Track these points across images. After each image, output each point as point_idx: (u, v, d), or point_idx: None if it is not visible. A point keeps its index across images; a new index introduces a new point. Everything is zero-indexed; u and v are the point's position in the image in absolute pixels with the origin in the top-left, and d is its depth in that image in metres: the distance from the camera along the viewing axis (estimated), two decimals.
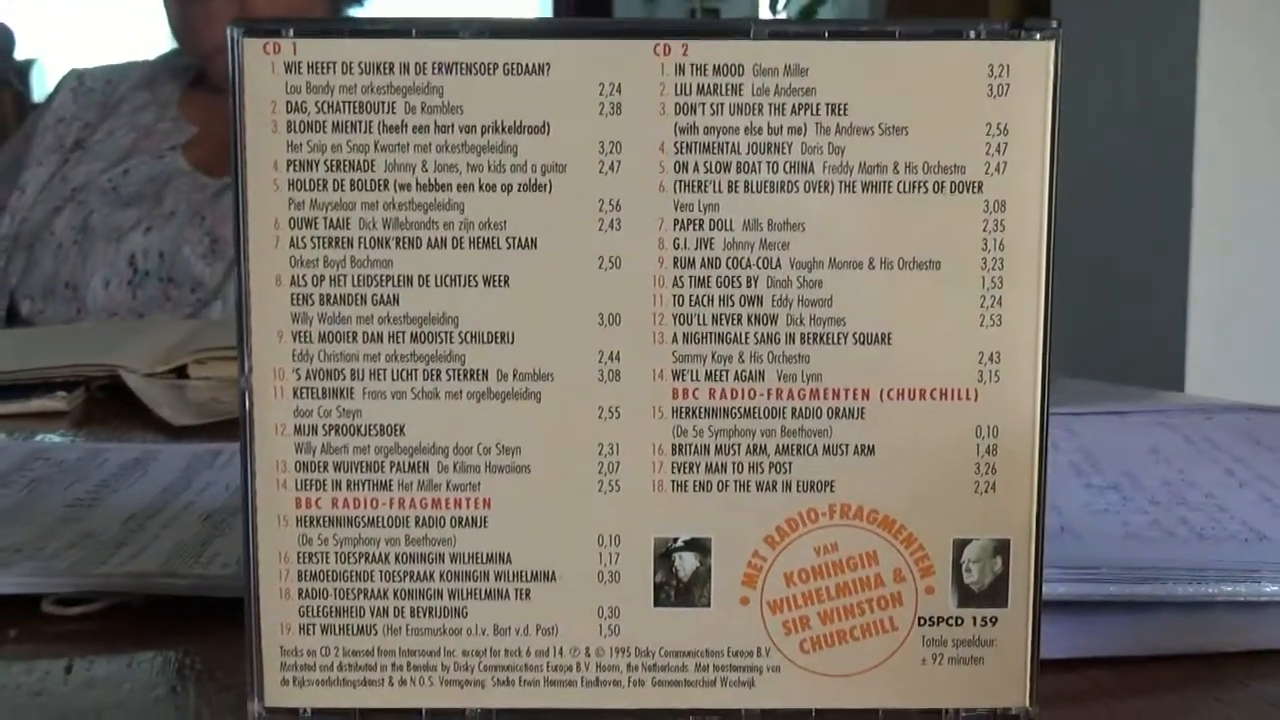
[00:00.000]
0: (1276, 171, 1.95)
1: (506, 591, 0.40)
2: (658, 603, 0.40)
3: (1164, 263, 1.95)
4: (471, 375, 0.39)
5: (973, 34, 0.38)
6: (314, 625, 0.40)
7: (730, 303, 0.39)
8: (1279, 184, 1.95)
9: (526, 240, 0.38)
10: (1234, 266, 1.94)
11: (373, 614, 0.40)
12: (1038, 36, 0.38)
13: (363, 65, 0.38)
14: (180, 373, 0.90)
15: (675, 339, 0.39)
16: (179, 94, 1.41)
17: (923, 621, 0.40)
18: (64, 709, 0.41)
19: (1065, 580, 0.45)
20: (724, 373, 0.39)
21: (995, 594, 0.40)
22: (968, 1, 2.27)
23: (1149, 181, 1.99)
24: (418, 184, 0.38)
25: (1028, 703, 0.40)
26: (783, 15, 3.31)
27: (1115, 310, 2.02)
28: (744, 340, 0.39)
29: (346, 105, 0.38)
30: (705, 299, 0.39)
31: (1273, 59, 1.93)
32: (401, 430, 0.39)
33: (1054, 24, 0.37)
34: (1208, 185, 1.92)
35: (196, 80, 1.41)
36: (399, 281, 0.39)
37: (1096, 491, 0.58)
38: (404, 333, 0.39)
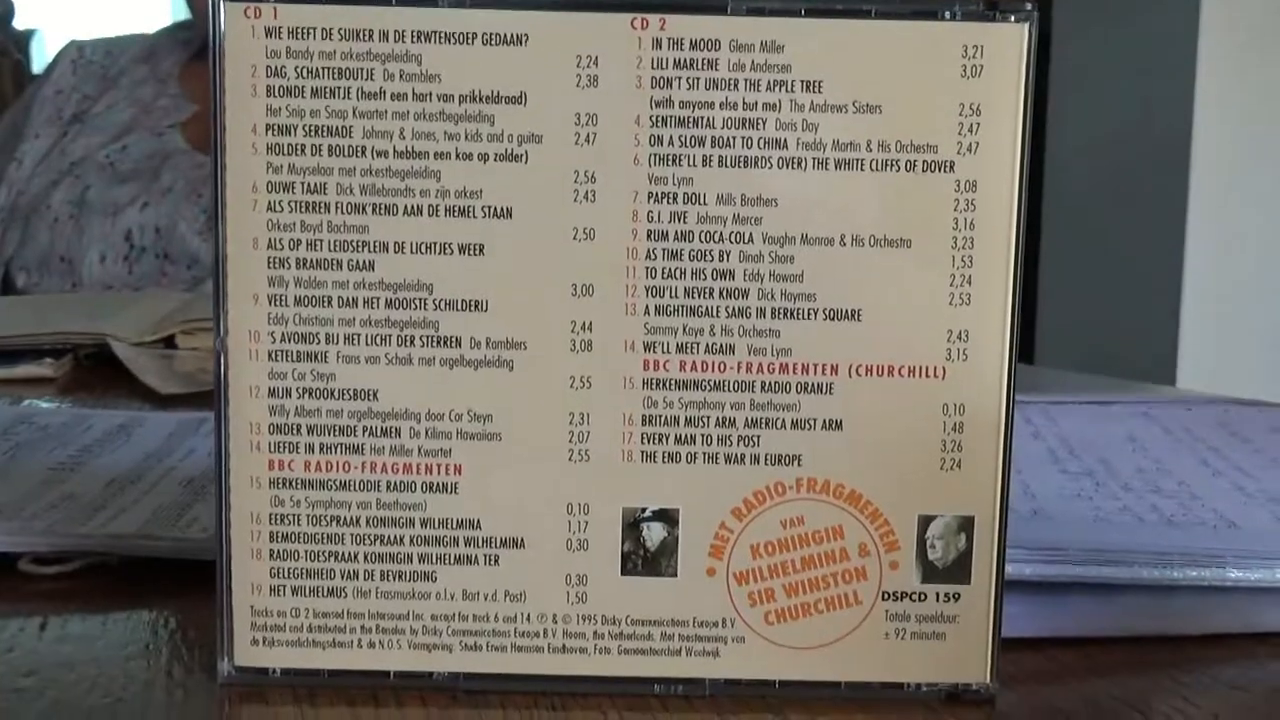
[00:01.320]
0: (1273, 170, 1.95)
1: (476, 557, 0.40)
2: (625, 572, 0.40)
3: (1159, 259, 1.95)
4: (445, 342, 0.39)
5: (947, 15, 0.38)
6: (284, 586, 0.40)
7: (702, 276, 0.39)
8: (1275, 182, 1.95)
9: (502, 210, 0.39)
10: (1229, 264, 1.95)
11: (343, 576, 0.40)
12: (1012, 19, 0.38)
13: (342, 32, 0.38)
14: (169, 342, 0.90)
15: (647, 311, 0.39)
16: (178, 68, 1.41)
17: (886, 596, 0.40)
18: (36, 663, 0.42)
19: (1032, 561, 0.45)
20: (695, 345, 0.39)
21: (959, 570, 0.40)
22: None
23: (1145, 178, 1.99)
24: (395, 151, 0.39)
25: (988, 678, 0.40)
26: None
27: (1109, 306, 2.02)
28: (715, 314, 0.39)
29: (325, 71, 0.38)
30: (678, 272, 0.39)
31: (1273, 59, 1.93)
32: (374, 395, 0.40)
33: (1028, 6, 0.38)
34: (1204, 183, 1.92)
35: (198, 54, 1.41)
36: (375, 248, 0.39)
37: (1071, 477, 0.59)
38: (379, 298, 0.39)
